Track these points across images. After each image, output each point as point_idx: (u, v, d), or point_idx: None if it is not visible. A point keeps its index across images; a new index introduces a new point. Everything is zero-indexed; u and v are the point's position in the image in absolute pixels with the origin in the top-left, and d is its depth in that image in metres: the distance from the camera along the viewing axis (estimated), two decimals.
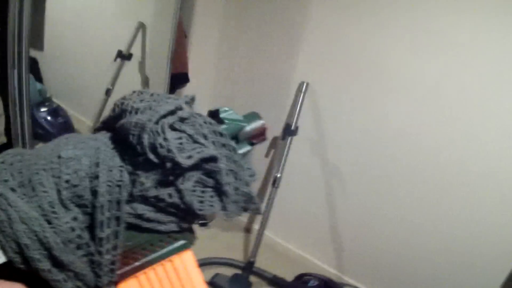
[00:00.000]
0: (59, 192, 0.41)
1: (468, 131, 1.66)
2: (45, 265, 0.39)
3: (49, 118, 2.71)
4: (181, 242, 0.46)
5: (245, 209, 0.48)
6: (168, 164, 0.42)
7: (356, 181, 2.00)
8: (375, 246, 2.02)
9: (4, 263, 0.39)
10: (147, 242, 0.45)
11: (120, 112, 0.46)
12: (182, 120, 0.45)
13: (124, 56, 2.28)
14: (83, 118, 2.86)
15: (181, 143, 0.43)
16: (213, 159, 0.44)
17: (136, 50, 2.24)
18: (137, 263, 0.44)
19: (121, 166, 0.43)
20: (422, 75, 1.71)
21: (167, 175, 0.43)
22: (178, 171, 0.43)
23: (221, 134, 0.46)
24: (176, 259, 0.46)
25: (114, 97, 2.43)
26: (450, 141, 1.71)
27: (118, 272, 0.43)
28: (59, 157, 0.43)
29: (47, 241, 0.39)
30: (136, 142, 0.42)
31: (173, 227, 0.45)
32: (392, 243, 1.97)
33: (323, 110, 1.98)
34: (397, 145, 1.85)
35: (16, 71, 1.56)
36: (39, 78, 2.22)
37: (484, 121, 1.62)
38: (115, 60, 2.31)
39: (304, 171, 2.15)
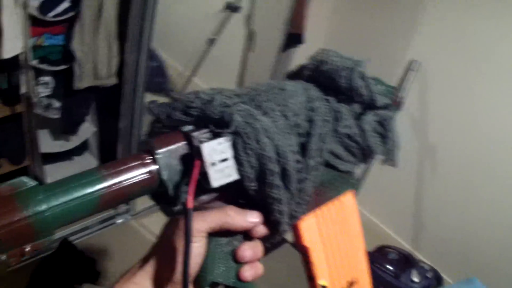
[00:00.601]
0: (285, 117, 0.43)
1: None
2: (278, 181, 0.39)
3: None
4: (352, 182, 0.49)
5: (390, 159, 0.52)
6: (364, 103, 0.49)
7: (451, 164, 1.97)
8: (457, 229, 2.02)
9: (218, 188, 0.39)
10: (328, 180, 0.47)
11: (317, 64, 0.51)
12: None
13: (232, 8, 2.30)
14: (178, 65, 2.90)
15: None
16: (387, 107, 0.50)
17: (245, 3, 2.25)
18: (318, 200, 0.46)
19: (327, 103, 0.48)
20: None
21: (357, 115, 0.49)
22: (365, 112, 0.49)
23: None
24: (343, 198, 0.49)
25: (217, 48, 2.46)
26: None
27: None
28: (283, 89, 0.45)
29: (286, 157, 0.39)
30: (345, 82, 0.48)
31: (351, 167, 0.49)
32: (476, 231, 1.95)
33: (432, 91, 1.95)
34: (504, 144, 1.79)
35: (139, 12, 1.57)
36: None
37: None
38: (223, 11, 2.33)
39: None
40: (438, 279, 1.96)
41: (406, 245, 2.21)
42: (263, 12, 2.13)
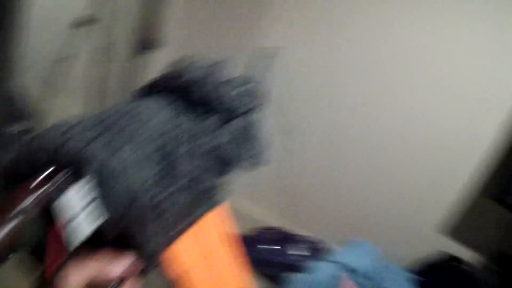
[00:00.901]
0: (145, 143, 0.41)
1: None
2: (144, 215, 0.39)
3: None
4: (218, 198, 0.49)
5: (255, 163, 0.51)
6: (225, 112, 0.47)
7: (316, 142, 2.11)
8: (329, 199, 2.19)
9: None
10: (193, 201, 0.46)
11: (173, 77, 0.49)
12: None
13: (86, 22, 2.19)
14: (35, 88, 2.69)
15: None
16: (249, 110, 0.49)
17: (102, 15, 2.16)
18: (185, 224, 0.45)
19: (186, 119, 0.46)
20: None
21: (219, 127, 0.47)
22: (227, 122, 0.47)
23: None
24: (210, 216, 0.48)
25: (76, 65, 2.36)
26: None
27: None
28: (141, 112, 0.43)
29: (150, 189, 0.39)
30: (197, 96, 0.46)
31: (216, 182, 0.48)
32: (346, 196, 2.16)
33: (293, 74, 2.03)
34: (357, 113, 2.00)
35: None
36: None
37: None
38: (76, 27, 2.25)
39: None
40: (320, 248, 2.02)
41: (285, 223, 2.24)
42: (115, 24, 2.08)
